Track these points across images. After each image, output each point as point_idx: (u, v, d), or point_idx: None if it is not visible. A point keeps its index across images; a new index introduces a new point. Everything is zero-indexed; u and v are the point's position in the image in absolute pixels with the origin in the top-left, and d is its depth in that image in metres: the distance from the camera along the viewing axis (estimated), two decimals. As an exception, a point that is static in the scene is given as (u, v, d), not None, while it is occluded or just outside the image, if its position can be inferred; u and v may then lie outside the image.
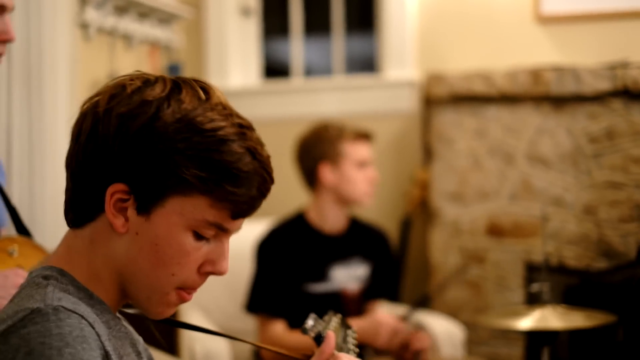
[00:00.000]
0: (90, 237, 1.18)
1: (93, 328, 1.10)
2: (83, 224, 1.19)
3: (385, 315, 2.88)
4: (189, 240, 1.17)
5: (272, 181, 1.20)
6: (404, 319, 2.88)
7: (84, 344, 1.06)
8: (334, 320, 1.40)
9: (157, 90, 1.15)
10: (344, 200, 2.98)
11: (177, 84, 1.17)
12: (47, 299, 1.10)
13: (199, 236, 1.18)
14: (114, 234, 1.17)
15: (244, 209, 1.18)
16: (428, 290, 3.95)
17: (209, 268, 1.21)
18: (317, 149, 2.98)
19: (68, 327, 1.07)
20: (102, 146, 1.14)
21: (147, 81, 1.17)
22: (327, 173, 2.95)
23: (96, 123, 1.15)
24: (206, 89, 1.18)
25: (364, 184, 2.96)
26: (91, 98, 1.19)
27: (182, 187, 1.14)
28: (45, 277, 1.16)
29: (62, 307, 1.09)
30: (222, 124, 1.15)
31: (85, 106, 1.19)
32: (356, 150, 2.95)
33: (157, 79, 1.17)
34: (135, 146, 1.12)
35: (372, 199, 4.08)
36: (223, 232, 1.19)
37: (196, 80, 1.20)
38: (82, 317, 1.10)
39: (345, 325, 1.44)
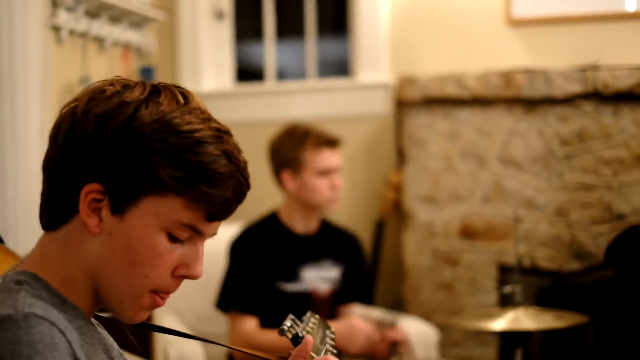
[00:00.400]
0: (64, 239, 1.18)
1: (64, 335, 1.09)
2: (57, 226, 1.18)
3: (361, 320, 2.88)
4: (162, 241, 1.16)
5: (248, 186, 1.20)
6: (380, 325, 2.89)
7: (54, 352, 1.06)
8: (312, 321, 1.39)
9: (135, 93, 1.15)
10: (307, 206, 2.98)
11: (157, 88, 1.18)
12: (18, 306, 1.09)
13: (173, 238, 1.17)
14: (87, 235, 1.16)
15: (219, 211, 1.18)
16: (402, 293, 3.96)
17: (183, 271, 1.20)
18: (279, 156, 2.99)
19: (38, 335, 1.06)
20: (78, 146, 1.14)
21: (127, 85, 1.18)
22: (288, 180, 2.97)
23: (74, 124, 1.15)
24: (185, 94, 1.19)
25: (326, 191, 2.94)
26: (70, 102, 1.19)
27: (157, 187, 1.14)
28: (18, 282, 1.15)
29: (33, 314, 1.08)
30: (199, 126, 1.16)
31: (64, 109, 1.19)
32: (317, 159, 2.93)
33: (137, 84, 1.18)
34: (112, 146, 1.13)
35: (344, 202, 4.09)
36: (197, 235, 1.19)
37: (176, 86, 1.20)
38: (54, 324, 1.09)
39: (323, 326, 1.44)
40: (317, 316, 1.42)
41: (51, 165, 1.18)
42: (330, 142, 2.95)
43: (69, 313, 1.15)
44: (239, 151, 1.20)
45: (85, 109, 1.15)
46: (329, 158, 2.94)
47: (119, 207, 1.14)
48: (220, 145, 1.17)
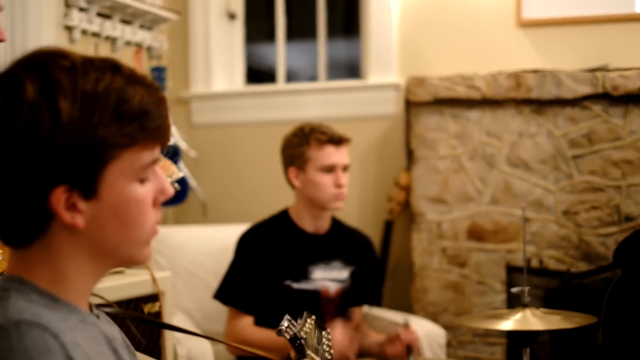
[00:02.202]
0: (46, 247, 1.15)
1: (58, 338, 1.08)
2: (31, 241, 1.15)
3: (340, 331, 2.83)
4: (139, 190, 1.17)
5: (162, 92, 1.19)
6: (394, 326, 2.88)
7: (48, 356, 1.05)
8: (309, 321, 1.40)
9: (30, 90, 1.10)
10: (313, 204, 2.99)
11: (41, 70, 1.12)
12: (8, 313, 1.09)
13: (142, 181, 1.18)
14: (73, 233, 1.15)
15: (166, 133, 1.19)
16: (410, 294, 3.97)
17: (161, 198, 1.21)
18: (286, 153, 3.01)
19: (31, 341, 1.05)
20: (21, 165, 1.10)
21: (16, 87, 1.12)
22: (294, 177, 2.99)
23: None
24: (62, 55, 1.15)
25: (329, 188, 2.94)
26: None
27: (113, 153, 1.13)
28: (5, 289, 1.14)
29: (24, 320, 1.07)
30: (108, 78, 1.13)
31: None
32: (320, 155, 2.94)
33: (23, 79, 1.12)
34: (53, 147, 1.10)
35: (353, 202, 4.10)
36: (156, 163, 1.20)
37: (47, 55, 1.15)
38: (46, 328, 1.08)
39: (319, 327, 1.44)
40: (313, 317, 1.43)
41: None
42: (334, 139, 2.96)
43: (62, 311, 1.14)
44: (135, 70, 1.18)
45: (3, 129, 1.10)
46: (332, 154, 2.95)
47: (90, 191, 1.13)
48: (131, 80, 1.15)
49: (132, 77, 1.15)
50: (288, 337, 1.32)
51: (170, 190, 1.22)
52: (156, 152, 1.19)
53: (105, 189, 1.14)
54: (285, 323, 1.33)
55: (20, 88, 1.10)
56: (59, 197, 1.12)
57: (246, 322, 2.92)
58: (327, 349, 1.41)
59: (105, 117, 1.11)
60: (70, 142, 1.10)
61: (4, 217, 1.14)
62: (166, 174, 2.48)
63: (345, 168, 2.99)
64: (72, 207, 1.13)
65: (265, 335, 2.84)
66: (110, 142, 1.12)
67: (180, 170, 2.44)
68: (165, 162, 2.51)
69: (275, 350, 1.48)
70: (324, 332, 1.44)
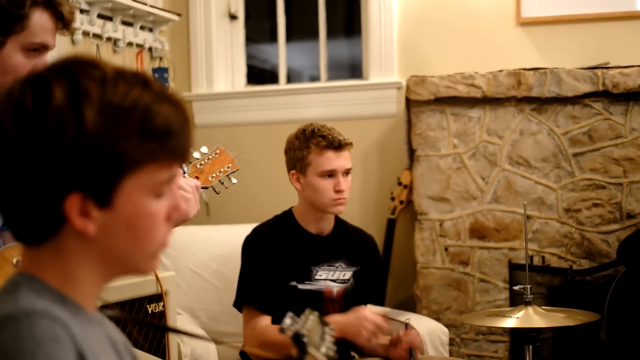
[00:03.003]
0: (57, 249, 1.17)
1: (67, 329, 1.10)
2: (44, 240, 1.17)
3: (370, 311, 2.89)
4: (153, 205, 1.18)
5: (187, 112, 1.21)
6: (395, 327, 2.89)
7: (57, 345, 1.06)
8: (311, 318, 1.41)
9: (59, 97, 1.11)
10: (314, 207, 2.99)
11: (72, 78, 1.13)
12: (19, 303, 1.10)
13: (158, 196, 1.19)
14: (83, 238, 1.16)
15: (185, 153, 1.21)
16: (413, 292, 3.98)
17: (175, 214, 1.22)
18: (289, 156, 3.00)
19: (41, 330, 1.07)
20: (40, 168, 1.11)
21: (42, 90, 1.13)
22: (295, 180, 2.99)
23: (13, 149, 1.12)
24: (95, 65, 1.16)
25: (328, 193, 2.93)
26: None
27: (131, 166, 1.14)
28: (16, 284, 1.16)
29: (35, 310, 1.09)
30: (136, 92, 1.14)
31: None
32: (320, 160, 2.92)
33: (52, 83, 1.13)
34: (74, 154, 1.11)
35: (356, 201, 4.11)
36: (173, 181, 1.22)
37: (77, 62, 1.16)
38: (56, 318, 1.09)
39: (322, 323, 1.45)
40: (316, 313, 1.44)
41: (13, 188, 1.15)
42: (334, 144, 2.94)
43: (70, 310, 1.15)
44: (166, 90, 1.20)
45: (19, 134, 1.12)
46: (331, 160, 2.92)
47: (105, 201, 1.14)
48: (159, 97, 1.16)
49: (160, 94, 1.16)
50: (290, 334, 1.32)
51: (186, 211, 1.24)
52: (174, 169, 1.20)
53: (121, 201, 1.15)
54: (287, 320, 1.34)
55: (49, 92, 1.12)
56: (73, 203, 1.13)
57: (266, 322, 2.92)
58: (331, 345, 1.41)
59: (128, 131, 1.12)
60: (91, 152, 1.11)
61: (19, 214, 1.16)
62: (223, 165, 2.48)
63: (346, 172, 2.97)
64: (85, 214, 1.14)
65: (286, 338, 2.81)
66: (131, 156, 1.13)
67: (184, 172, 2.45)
68: (223, 153, 2.50)
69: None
70: (326, 328, 1.45)
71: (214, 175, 2.45)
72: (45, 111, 1.11)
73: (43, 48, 1.91)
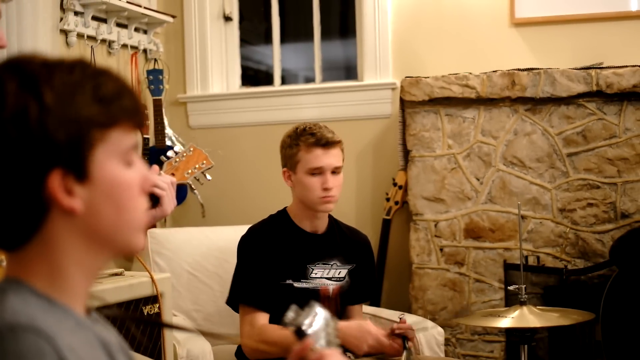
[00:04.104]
0: (43, 243, 1.17)
1: (51, 342, 1.09)
2: (27, 240, 1.17)
3: (372, 324, 2.90)
4: (127, 173, 1.21)
5: (127, 80, 1.26)
6: (389, 323, 2.90)
7: None
8: (315, 311, 1.42)
9: (12, 86, 1.14)
10: (304, 205, 3.01)
11: (17, 68, 1.17)
12: (4, 316, 1.10)
13: (129, 164, 1.22)
14: (70, 222, 1.17)
15: (142, 114, 1.25)
16: (408, 293, 3.99)
17: (146, 185, 1.25)
18: (281, 154, 3.03)
19: (24, 345, 1.06)
20: (14, 156, 1.13)
21: None
22: (287, 178, 3.01)
23: None
24: (33, 55, 1.20)
25: (316, 191, 2.94)
26: None
27: (99, 134, 1.17)
28: (2, 290, 1.15)
29: (19, 324, 1.08)
30: (79, 69, 1.19)
31: None
32: (309, 158, 2.94)
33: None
34: (46, 132, 1.13)
35: (351, 202, 4.11)
36: (136, 148, 1.24)
37: (18, 57, 1.20)
38: (41, 332, 1.09)
39: (325, 316, 1.45)
40: (319, 306, 1.44)
41: None
42: (322, 142, 2.95)
43: (58, 314, 1.15)
44: (100, 65, 1.25)
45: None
46: (319, 157, 2.94)
47: (83, 173, 1.16)
48: (99, 70, 1.21)
49: (99, 68, 1.21)
50: (293, 328, 1.33)
51: (155, 180, 1.26)
52: (136, 135, 1.23)
53: (97, 171, 1.16)
54: (291, 313, 1.34)
55: (1, 83, 1.14)
56: (55, 181, 1.14)
57: (264, 321, 2.92)
58: (333, 339, 1.42)
59: (86, 100, 1.16)
60: (59, 125, 1.13)
61: (0, 216, 1.16)
62: (198, 162, 2.54)
63: (335, 170, 2.97)
64: (68, 192, 1.15)
65: (283, 331, 2.80)
66: (95, 122, 1.16)
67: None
68: (197, 150, 2.56)
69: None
70: (330, 321, 1.45)
71: (189, 172, 2.52)
72: (3, 99, 1.13)
73: None
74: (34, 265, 1.17)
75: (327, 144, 2.94)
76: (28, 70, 1.15)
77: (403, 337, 2.78)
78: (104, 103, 1.17)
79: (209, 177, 2.60)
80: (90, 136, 1.16)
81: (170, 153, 2.51)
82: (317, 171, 2.93)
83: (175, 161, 2.51)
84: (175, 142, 4.13)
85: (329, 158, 2.94)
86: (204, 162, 2.57)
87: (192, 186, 2.56)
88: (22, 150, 1.12)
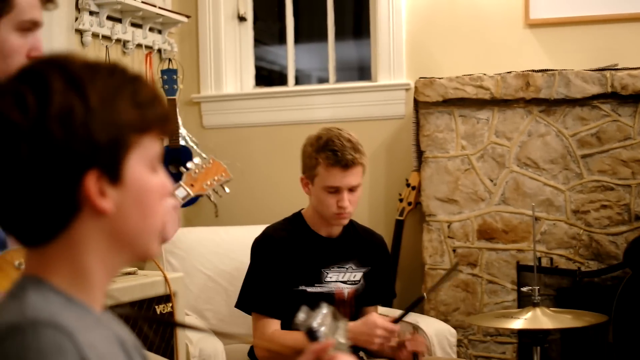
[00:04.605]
0: (68, 240, 1.17)
1: (73, 339, 1.09)
2: (53, 237, 1.17)
3: (379, 316, 2.89)
4: (153, 179, 1.22)
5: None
6: (398, 321, 2.89)
7: (62, 356, 1.06)
8: (325, 312, 1.42)
9: (58, 82, 1.15)
10: (319, 214, 2.99)
11: (59, 66, 1.17)
12: (26, 312, 1.10)
13: (154, 170, 1.24)
14: (97, 223, 1.18)
15: (170, 122, 1.27)
16: (421, 293, 3.98)
17: (167, 193, 1.27)
18: (302, 159, 2.99)
19: (45, 341, 1.06)
20: (55, 154, 1.13)
21: (39, 81, 1.16)
22: (304, 185, 2.98)
23: (26, 142, 1.13)
24: (72, 55, 1.21)
25: (331, 208, 2.92)
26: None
27: (135, 138, 1.19)
28: (22, 287, 1.16)
29: (40, 320, 1.09)
30: (118, 73, 1.21)
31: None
32: (326, 176, 2.89)
33: (44, 73, 1.16)
34: (89, 133, 1.14)
35: (364, 202, 4.11)
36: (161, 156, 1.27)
37: (54, 56, 1.20)
38: (62, 328, 1.09)
39: (336, 317, 1.46)
40: (329, 307, 1.45)
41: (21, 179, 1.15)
42: (342, 163, 2.87)
43: (77, 312, 1.16)
44: (134, 70, 1.27)
45: (33, 122, 1.13)
46: (336, 178, 2.88)
47: (116, 176, 1.17)
48: (135, 76, 1.22)
49: (134, 74, 1.23)
50: (304, 329, 1.33)
51: (170, 187, 1.28)
52: (162, 142, 1.25)
53: (129, 175, 1.18)
54: (302, 315, 1.35)
55: (46, 81, 1.15)
56: (91, 181, 1.15)
57: (276, 327, 2.91)
58: (343, 340, 1.42)
59: (125, 104, 1.17)
60: (101, 128, 1.15)
61: (31, 212, 1.16)
62: (217, 174, 2.57)
63: (353, 189, 2.93)
64: (101, 194, 1.16)
65: (296, 337, 2.79)
66: (133, 126, 1.18)
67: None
68: (216, 162, 2.57)
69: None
70: (340, 323, 1.46)
71: (208, 183, 2.54)
72: (50, 98, 1.13)
73: (34, 25, 1.93)
74: (56, 262, 1.18)
75: (347, 165, 2.87)
76: (72, 71, 1.16)
77: (414, 353, 2.78)
78: (140, 108, 1.19)
79: (227, 189, 2.61)
80: (127, 140, 1.17)
81: (190, 164, 2.53)
82: (334, 190, 2.90)
83: (195, 172, 2.52)
84: (189, 142, 4.14)
85: (348, 178, 2.88)
86: (223, 174, 2.58)
87: (211, 198, 2.59)
88: (64, 148, 1.13)
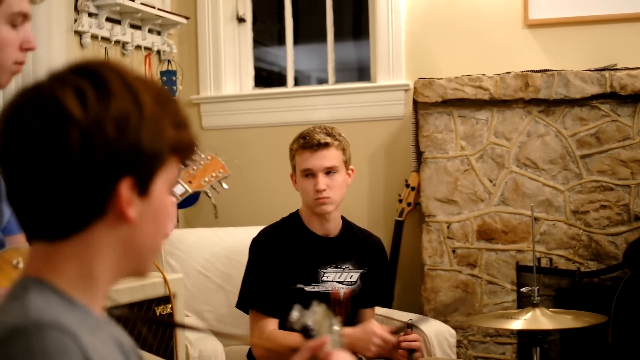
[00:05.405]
0: (82, 241, 1.17)
1: (77, 340, 1.09)
2: (70, 234, 1.17)
3: (378, 325, 2.90)
4: (169, 199, 1.25)
5: None
6: (397, 333, 2.89)
7: (66, 358, 1.07)
8: (319, 310, 1.42)
9: (117, 83, 1.16)
10: (307, 207, 3.03)
11: (116, 72, 1.18)
12: (30, 313, 1.10)
13: (169, 192, 1.26)
14: (115, 230, 1.18)
15: (194, 149, 1.28)
16: (420, 294, 3.99)
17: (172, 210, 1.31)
18: (289, 158, 3.05)
19: (50, 343, 1.06)
20: (99, 156, 1.14)
21: (99, 78, 1.18)
22: (293, 182, 3.05)
23: (78, 133, 1.13)
24: (122, 65, 1.23)
25: (310, 193, 2.96)
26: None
27: (167, 156, 1.20)
28: (25, 288, 1.15)
29: (44, 322, 1.09)
30: (165, 90, 1.23)
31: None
32: (300, 161, 2.98)
33: (102, 72, 1.18)
34: (137, 140, 1.16)
35: (363, 203, 4.11)
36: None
37: (110, 62, 1.22)
38: (65, 330, 1.09)
39: (329, 315, 1.46)
40: (323, 305, 1.45)
41: (56, 173, 1.15)
42: (309, 145, 2.94)
43: (78, 315, 1.16)
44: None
45: (89, 119, 1.14)
46: (307, 160, 2.95)
47: (145, 189, 1.19)
48: (171, 97, 1.24)
49: (171, 95, 1.26)
50: (298, 327, 1.33)
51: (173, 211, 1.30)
52: (180, 171, 1.27)
53: (155, 191, 1.20)
54: (295, 313, 1.35)
55: (107, 81, 1.16)
56: (125, 188, 1.15)
57: (273, 326, 2.92)
58: (337, 338, 1.43)
59: (168, 122, 1.19)
60: (149, 138, 1.16)
61: (58, 204, 1.15)
62: (215, 170, 2.57)
63: (330, 170, 2.95)
64: (130, 202, 1.17)
65: (293, 337, 2.79)
66: (170, 145, 1.19)
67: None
68: (214, 159, 2.58)
69: None
70: (333, 320, 1.46)
71: (206, 179, 2.54)
72: (110, 99, 1.14)
73: (24, 18, 1.93)
74: (64, 262, 1.17)
75: (315, 146, 2.93)
76: (128, 78, 1.18)
77: (409, 350, 2.79)
78: (178, 129, 1.21)
79: (225, 185, 2.61)
80: (164, 157, 1.19)
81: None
82: (308, 173, 2.95)
83: (193, 169, 2.53)
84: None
85: (318, 160, 2.93)
86: (221, 170, 2.59)
87: (209, 194, 2.59)
88: (112, 150, 1.13)
